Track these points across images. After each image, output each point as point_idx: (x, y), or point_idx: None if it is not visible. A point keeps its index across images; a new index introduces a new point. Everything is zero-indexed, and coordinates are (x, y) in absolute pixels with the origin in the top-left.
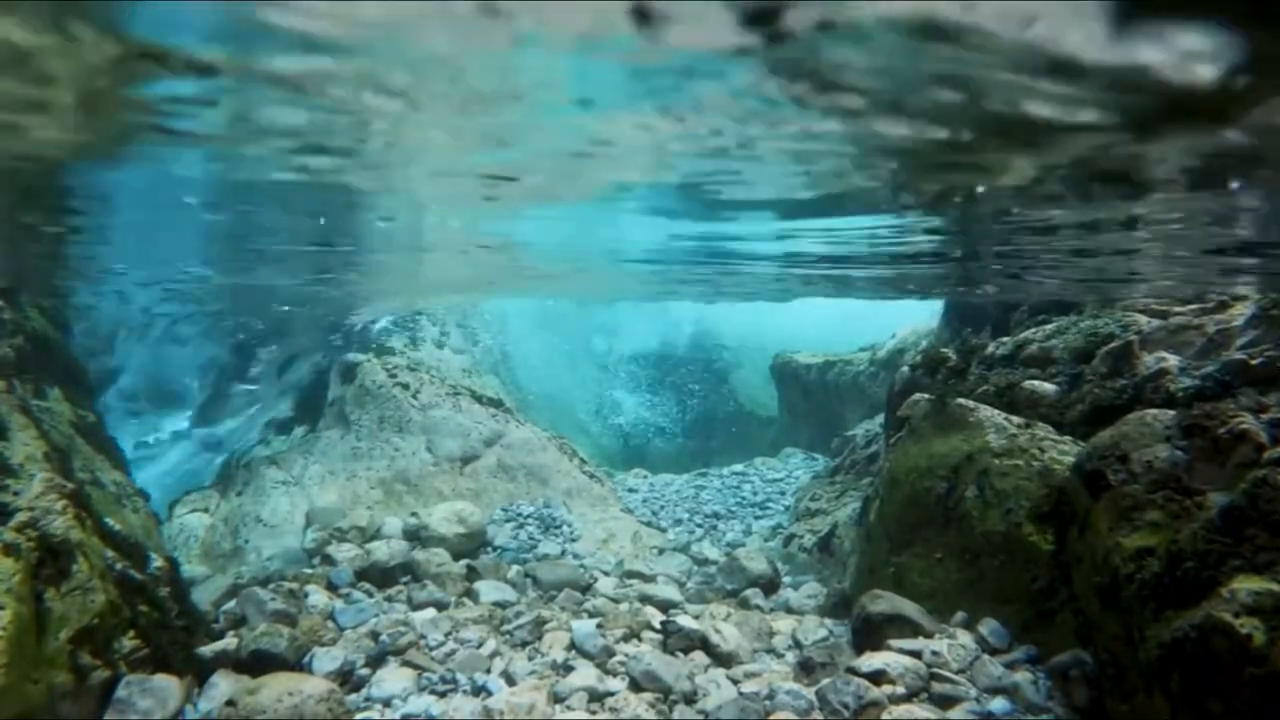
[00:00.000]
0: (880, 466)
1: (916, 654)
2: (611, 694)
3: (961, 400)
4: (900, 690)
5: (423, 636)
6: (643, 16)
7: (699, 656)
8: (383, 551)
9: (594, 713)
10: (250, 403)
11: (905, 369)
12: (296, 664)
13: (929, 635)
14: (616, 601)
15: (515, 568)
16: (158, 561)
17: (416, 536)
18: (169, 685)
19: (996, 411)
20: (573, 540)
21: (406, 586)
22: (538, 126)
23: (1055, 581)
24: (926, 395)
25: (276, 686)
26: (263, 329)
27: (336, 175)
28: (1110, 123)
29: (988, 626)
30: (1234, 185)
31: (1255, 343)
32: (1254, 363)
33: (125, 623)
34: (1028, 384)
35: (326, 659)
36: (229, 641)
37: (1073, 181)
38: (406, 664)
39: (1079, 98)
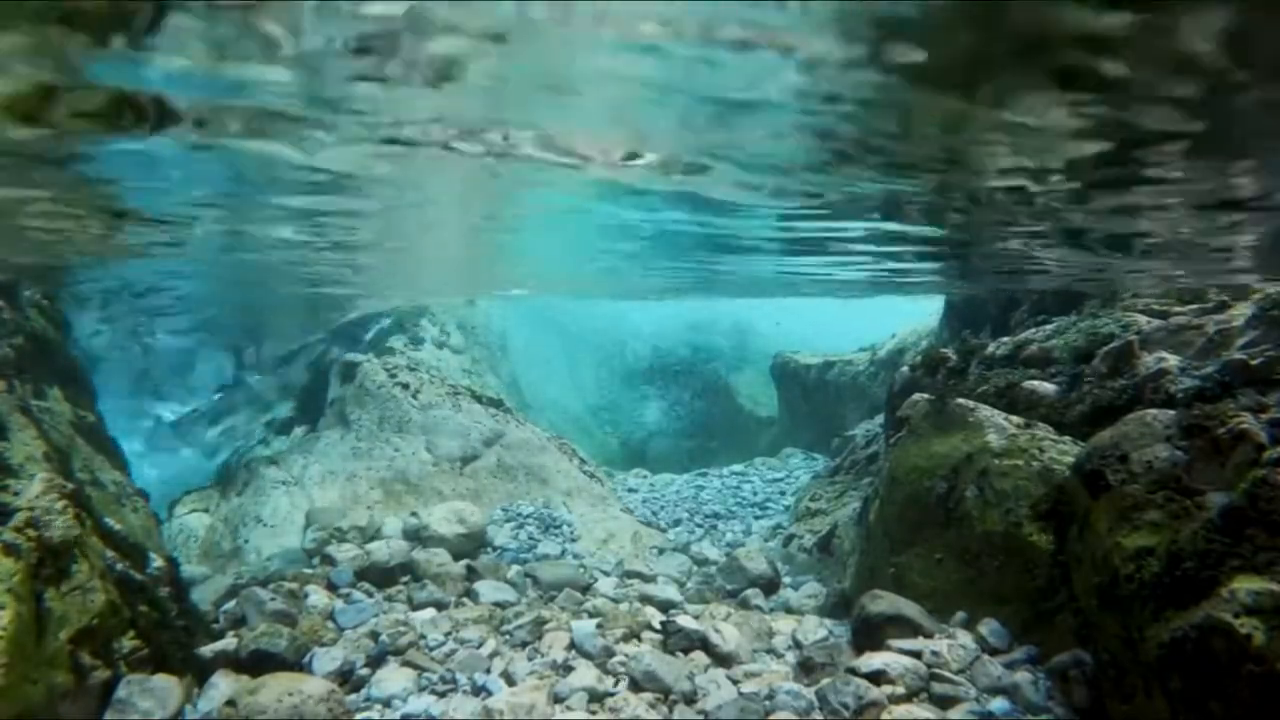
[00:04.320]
0: (880, 466)
1: (916, 654)
2: (611, 694)
3: (961, 400)
4: (900, 690)
5: (423, 636)
6: None
7: (699, 657)
8: (383, 551)
9: (594, 713)
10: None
11: (905, 369)
12: (296, 664)
13: (929, 635)
14: (616, 601)
15: (515, 568)
16: (158, 561)
17: (416, 536)
18: (169, 685)
19: (996, 411)
20: (573, 540)
21: (406, 586)
22: None
23: (1055, 581)
24: (926, 395)
25: (276, 686)
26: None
27: None
28: None
29: (988, 627)
30: None
31: (1255, 343)
32: (1254, 363)
33: (125, 623)
34: (1028, 384)
35: (326, 659)
36: (229, 641)
37: None
38: (406, 664)
39: None
